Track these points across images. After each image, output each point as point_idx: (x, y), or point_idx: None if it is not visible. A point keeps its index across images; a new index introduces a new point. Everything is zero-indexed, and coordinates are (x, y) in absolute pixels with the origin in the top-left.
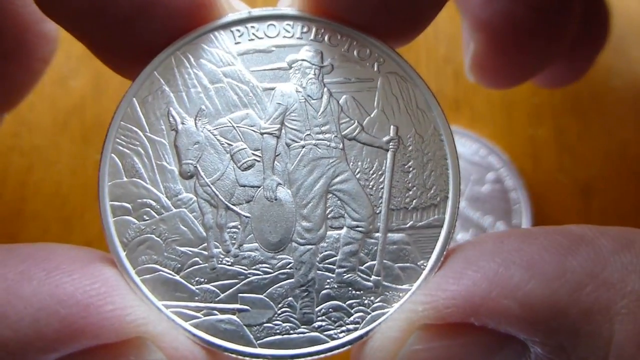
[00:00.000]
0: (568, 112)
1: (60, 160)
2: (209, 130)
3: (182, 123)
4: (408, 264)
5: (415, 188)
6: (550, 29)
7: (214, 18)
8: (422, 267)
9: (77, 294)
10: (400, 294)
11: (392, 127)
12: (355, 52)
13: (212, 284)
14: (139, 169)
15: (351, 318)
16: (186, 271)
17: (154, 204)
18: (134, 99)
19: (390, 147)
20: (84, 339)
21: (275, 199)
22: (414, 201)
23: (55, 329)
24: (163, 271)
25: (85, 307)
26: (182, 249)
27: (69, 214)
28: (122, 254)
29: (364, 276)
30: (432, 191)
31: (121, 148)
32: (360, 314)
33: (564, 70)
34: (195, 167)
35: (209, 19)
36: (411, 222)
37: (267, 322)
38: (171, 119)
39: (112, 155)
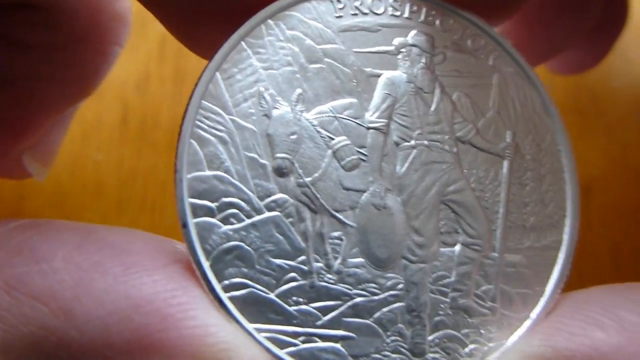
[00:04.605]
0: (568, 112)
1: (60, 159)
2: (307, 119)
3: (276, 108)
4: (525, 290)
5: (532, 204)
6: (577, 5)
7: None
8: (539, 293)
9: (157, 300)
10: (518, 324)
11: (508, 132)
12: (469, 42)
13: (312, 304)
14: (224, 161)
15: (466, 350)
16: (282, 288)
17: (243, 204)
18: (218, 73)
19: (507, 154)
20: (155, 355)
21: (384, 207)
22: (532, 219)
23: (126, 339)
24: (255, 288)
25: (163, 318)
26: (277, 261)
27: (69, 214)
28: (206, 264)
29: (480, 302)
30: (550, 208)
31: (202, 133)
32: (476, 345)
33: (582, 54)
34: (292, 162)
35: None
36: (529, 243)
37: (374, 353)
38: (263, 102)
39: (192, 141)
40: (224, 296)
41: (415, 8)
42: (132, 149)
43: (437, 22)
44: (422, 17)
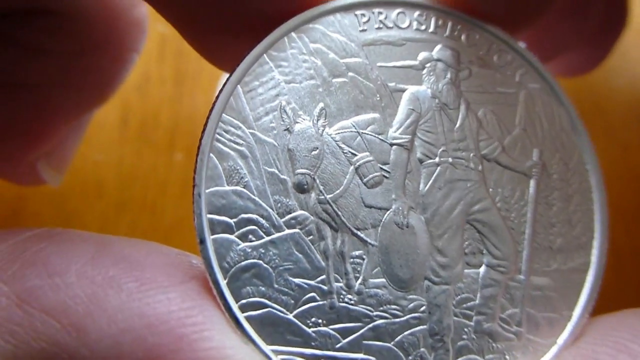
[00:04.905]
0: None
1: None
2: (330, 135)
3: (297, 122)
4: (552, 314)
5: (560, 224)
6: (577, 8)
7: None
8: (566, 317)
9: (172, 319)
10: (544, 350)
11: (535, 150)
12: (495, 57)
13: (332, 326)
14: (244, 176)
15: None
16: (301, 309)
17: (262, 221)
18: (239, 86)
19: (533, 173)
20: None
21: (407, 226)
22: (559, 240)
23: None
24: (273, 308)
25: (177, 338)
26: (297, 280)
27: (69, 214)
28: (223, 282)
29: (506, 326)
30: (577, 229)
31: (222, 147)
32: None
33: (583, 57)
34: (313, 178)
35: None
36: (556, 265)
37: None
38: (284, 116)
39: (211, 154)
40: (240, 316)
41: (440, 22)
42: (132, 150)
43: (463, 36)
44: (448, 31)
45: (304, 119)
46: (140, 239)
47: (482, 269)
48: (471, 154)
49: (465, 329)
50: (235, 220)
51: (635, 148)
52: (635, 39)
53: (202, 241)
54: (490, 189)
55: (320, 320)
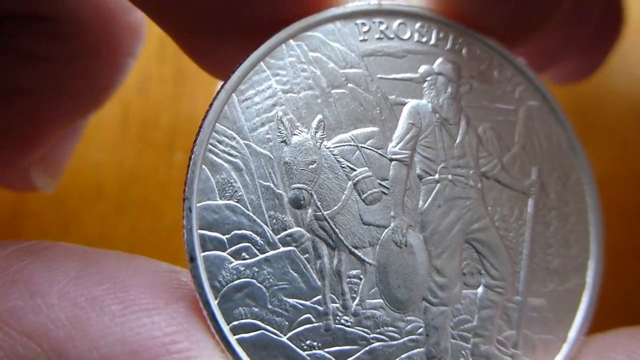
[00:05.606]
0: (568, 112)
1: None
2: (328, 148)
3: (295, 134)
4: (549, 336)
5: (557, 244)
6: (573, 15)
7: (333, 4)
8: (562, 339)
9: (155, 346)
10: None
11: (534, 168)
12: (495, 72)
13: (327, 349)
14: (238, 189)
15: None
16: (295, 331)
17: (256, 238)
18: (234, 95)
19: (532, 192)
20: None
21: (405, 245)
22: (556, 260)
23: None
24: (266, 330)
25: None
26: (291, 301)
27: (69, 216)
28: (214, 302)
29: (502, 348)
30: (574, 249)
31: (215, 158)
32: None
33: (580, 63)
34: (310, 194)
35: (327, 5)
36: (552, 286)
37: None
38: (281, 127)
39: (203, 166)
40: (232, 339)
41: (442, 35)
42: (132, 150)
43: (464, 50)
44: (449, 44)
45: (301, 131)
46: (140, 240)
47: (480, 290)
48: (471, 171)
49: (463, 352)
50: (227, 236)
51: (634, 148)
52: (635, 40)
53: (193, 259)
54: (489, 208)
55: (315, 343)
